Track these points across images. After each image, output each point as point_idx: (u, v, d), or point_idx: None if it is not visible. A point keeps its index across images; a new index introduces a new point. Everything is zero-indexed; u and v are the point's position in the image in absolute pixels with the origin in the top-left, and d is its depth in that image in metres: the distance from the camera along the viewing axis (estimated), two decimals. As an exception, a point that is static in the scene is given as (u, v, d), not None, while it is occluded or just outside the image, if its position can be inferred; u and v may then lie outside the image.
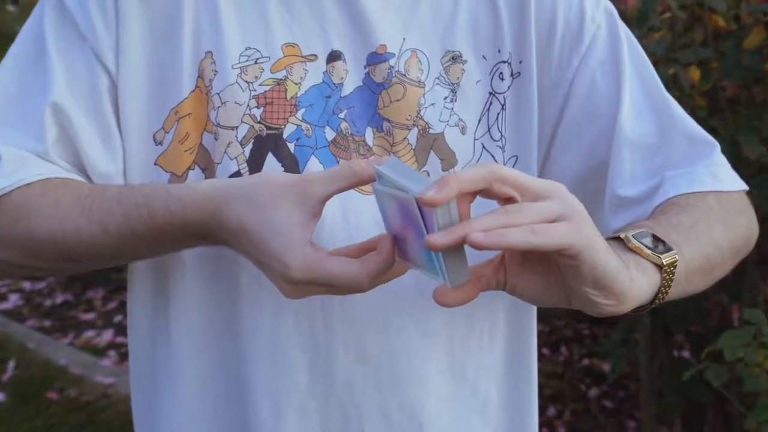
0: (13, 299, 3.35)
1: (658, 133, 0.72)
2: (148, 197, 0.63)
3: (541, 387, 2.83)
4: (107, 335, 3.08)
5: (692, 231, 0.64)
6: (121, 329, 3.15)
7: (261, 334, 0.69)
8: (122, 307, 3.35)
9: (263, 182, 0.59)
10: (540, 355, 2.85)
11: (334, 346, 0.69)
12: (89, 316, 3.25)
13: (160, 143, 0.69)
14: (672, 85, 1.29)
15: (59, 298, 3.34)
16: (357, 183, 0.59)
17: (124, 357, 2.93)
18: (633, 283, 0.55)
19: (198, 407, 0.73)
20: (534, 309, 0.80)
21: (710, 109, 1.42)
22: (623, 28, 0.75)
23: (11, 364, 2.79)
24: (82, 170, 0.70)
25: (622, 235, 0.59)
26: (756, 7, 1.40)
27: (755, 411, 1.20)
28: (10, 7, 4.31)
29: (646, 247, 0.58)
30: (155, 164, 0.70)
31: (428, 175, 0.71)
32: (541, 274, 0.56)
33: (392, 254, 0.57)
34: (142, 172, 0.70)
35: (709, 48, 1.38)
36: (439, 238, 0.49)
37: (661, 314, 1.89)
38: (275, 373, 0.70)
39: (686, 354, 2.09)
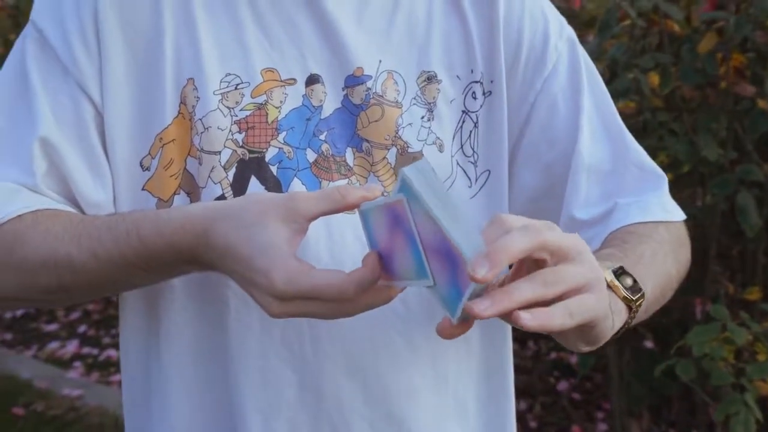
0: (-28, 313, 3.26)
1: (612, 160, 0.76)
2: (138, 222, 0.64)
3: (510, 381, 2.82)
4: (72, 346, 3.03)
5: (652, 264, 0.68)
6: (86, 340, 3.10)
7: (250, 352, 0.71)
8: (86, 317, 3.29)
9: (250, 201, 0.60)
10: (508, 350, 2.91)
11: (322, 361, 0.71)
12: (52, 327, 3.19)
13: (147, 169, 0.70)
14: (633, 90, 1.33)
15: (20, 310, 3.27)
16: (344, 208, 0.59)
17: (90, 368, 2.89)
18: (612, 329, 0.58)
19: (190, 426, 0.74)
20: None
21: (669, 112, 1.46)
22: (583, 57, 0.79)
23: (-27, 380, 2.73)
24: (74, 201, 0.71)
25: (603, 269, 0.61)
26: (705, 14, 1.45)
27: (722, 404, 1.25)
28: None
29: (624, 287, 0.61)
30: (143, 190, 0.71)
31: None
32: None
33: (378, 267, 0.57)
34: (131, 198, 0.70)
35: (666, 53, 1.42)
36: (485, 310, 0.50)
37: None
38: (265, 389, 0.71)
39: (649, 344, 2.15)
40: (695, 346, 1.24)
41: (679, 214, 0.77)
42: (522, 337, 3.00)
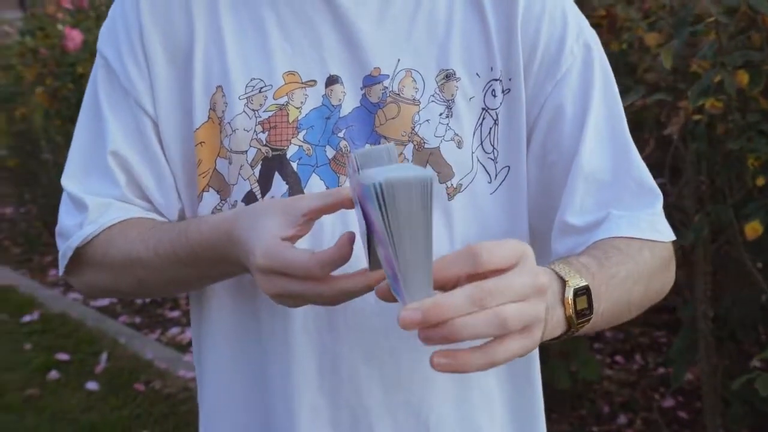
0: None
1: (612, 171, 0.76)
2: (188, 224, 0.74)
3: (611, 394, 2.75)
4: (190, 332, 3.24)
5: (620, 287, 0.68)
6: (204, 327, 3.30)
7: (275, 338, 0.76)
8: (206, 306, 3.52)
9: (265, 201, 0.68)
10: (613, 363, 2.81)
11: (339, 347, 0.74)
12: (175, 313, 3.44)
13: None
14: (714, 88, 1.27)
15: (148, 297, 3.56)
16: (339, 204, 0.64)
17: (205, 353, 3.08)
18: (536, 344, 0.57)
19: (230, 405, 0.81)
20: None
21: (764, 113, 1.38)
22: (600, 63, 0.78)
23: (104, 356, 3.00)
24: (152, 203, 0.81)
25: (567, 281, 0.62)
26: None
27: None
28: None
29: (574, 309, 0.61)
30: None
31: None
32: None
33: (347, 247, 0.60)
34: (189, 194, 0.79)
35: (765, 50, 1.34)
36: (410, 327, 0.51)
37: (728, 321, 1.83)
38: (288, 373, 0.76)
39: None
40: (776, 360, 1.16)
41: (668, 235, 0.76)
42: (629, 350, 2.89)
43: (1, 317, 3.43)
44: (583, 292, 0.62)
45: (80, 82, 3.52)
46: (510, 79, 0.76)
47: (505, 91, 0.76)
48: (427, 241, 0.50)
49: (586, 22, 0.80)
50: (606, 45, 2.13)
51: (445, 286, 0.54)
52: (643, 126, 1.94)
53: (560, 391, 2.31)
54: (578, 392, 2.48)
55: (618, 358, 2.86)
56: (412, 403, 0.76)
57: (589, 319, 0.63)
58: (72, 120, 3.82)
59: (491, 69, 0.76)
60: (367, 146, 0.70)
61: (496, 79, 0.76)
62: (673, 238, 0.77)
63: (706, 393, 1.78)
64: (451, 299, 0.51)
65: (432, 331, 0.51)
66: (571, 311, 0.61)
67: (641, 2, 2.17)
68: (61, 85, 3.70)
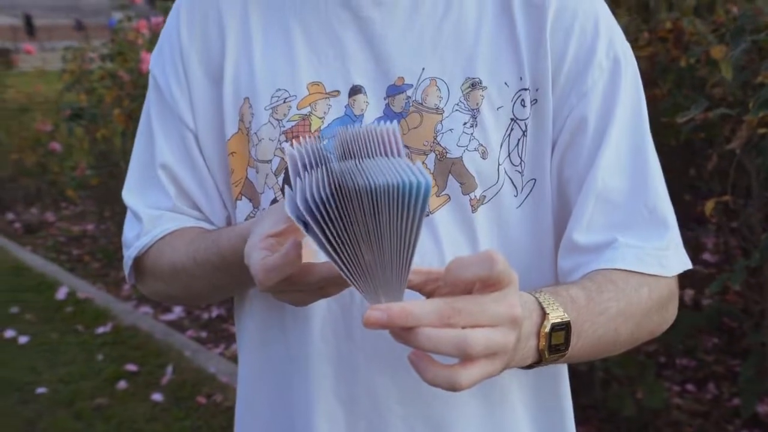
0: (177, 311, 3.69)
1: (627, 194, 0.73)
2: (219, 233, 0.77)
3: (681, 424, 2.63)
4: (253, 347, 3.29)
5: (605, 326, 0.66)
6: (267, 343, 3.35)
7: (297, 344, 0.77)
8: (270, 323, 3.57)
9: (276, 204, 0.69)
10: (683, 391, 2.68)
11: (356, 355, 0.74)
12: (239, 329, 3.50)
13: None
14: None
15: (215, 312, 3.64)
16: None
17: (266, 369, 3.12)
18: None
19: (258, 409, 0.83)
20: None
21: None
22: (630, 79, 0.75)
23: (170, 369, 3.08)
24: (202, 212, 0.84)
25: (548, 313, 0.60)
26: None
27: None
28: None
29: (548, 344, 0.60)
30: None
31: (449, 199, 0.74)
32: None
33: (293, 252, 0.60)
34: (230, 202, 0.82)
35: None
36: (374, 321, 0.51)
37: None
38: (307, 379, 0.76)
39: None
40: None
41: (674, 269, 0.73)
42: (702, 379, 2.76)
43: (78, 328, 3.58)
44: (562, 327, 0.60)
45: (154, 103, 3.66)
46: (537, 90, 0.74)
47: (533, 102, 0.74)
48: (399, 245, 0.50)
49: (620, 35, 0.77)
50: (673, 60, 2.06)
51: (458, 286, 0.54)
52: (712, 142, 1.86)
53: (626, 418, 2.22)
54: (644, 420, 2.37)
55: (689, 386, 2.73)
56: (432, 417, 0.74)
57: (563, 354, 0.61)
58: (147, 140, 4.00)
59: (520, 79, 0.74)
60: (350, 127, 0.67)
61: (525, 89, 0.74)
62: (681, 270, 0.74)
63: (779, 425, 1.66)
64: (419, 308, 0.51)
65: (398, 331, 0.52)
66: (544, 345, 0.60)
67: (711, 15, 2.10)
68: (136, 106, 3.86)
